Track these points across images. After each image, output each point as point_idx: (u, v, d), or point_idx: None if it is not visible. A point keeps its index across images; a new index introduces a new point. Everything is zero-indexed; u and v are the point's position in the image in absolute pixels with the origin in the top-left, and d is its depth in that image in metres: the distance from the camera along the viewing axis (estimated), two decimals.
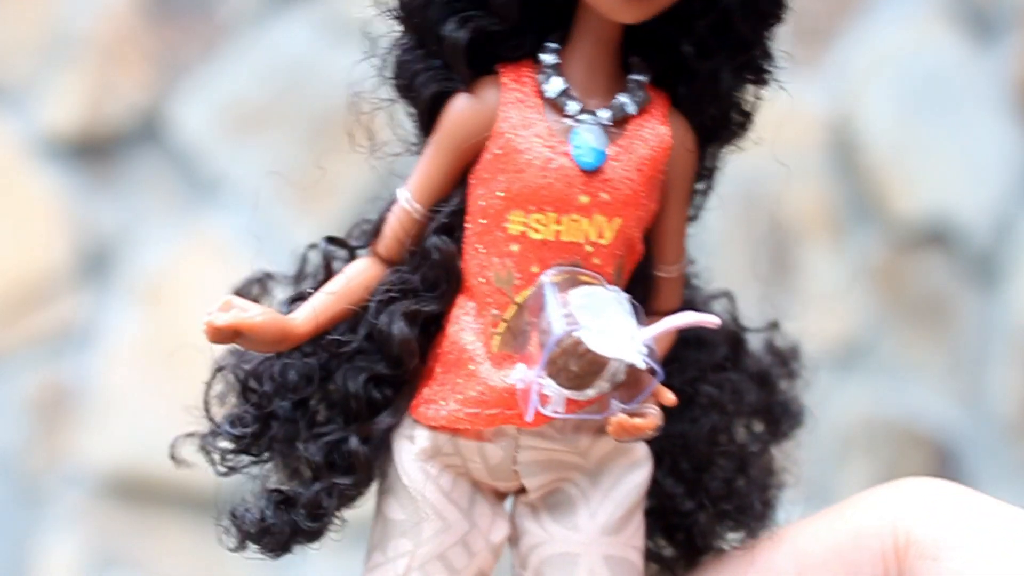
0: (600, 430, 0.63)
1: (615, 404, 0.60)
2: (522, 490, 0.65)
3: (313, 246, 0.67)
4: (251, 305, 0.62)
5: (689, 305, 0.67)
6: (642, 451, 0.65)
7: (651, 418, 0.60)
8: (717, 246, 1.52)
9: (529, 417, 0.60)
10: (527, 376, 0.60)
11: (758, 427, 0.71)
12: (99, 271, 1.53)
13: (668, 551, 0.69)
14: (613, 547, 0.64)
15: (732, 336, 0.71)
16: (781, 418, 0.72)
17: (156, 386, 1.45)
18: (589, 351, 0.59)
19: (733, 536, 0.69)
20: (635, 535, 0.65)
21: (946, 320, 1.58)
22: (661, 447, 0.66)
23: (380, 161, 0.66)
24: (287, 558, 0.65)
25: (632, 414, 0.60)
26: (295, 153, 1.48)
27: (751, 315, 0.73)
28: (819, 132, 1.56)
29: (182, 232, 1.53)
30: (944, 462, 1.57)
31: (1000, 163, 1.59)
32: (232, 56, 1.54)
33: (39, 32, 1.53)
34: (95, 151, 1.54)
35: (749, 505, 0.69)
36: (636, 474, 0.65)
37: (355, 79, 0.64)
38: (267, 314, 0.62)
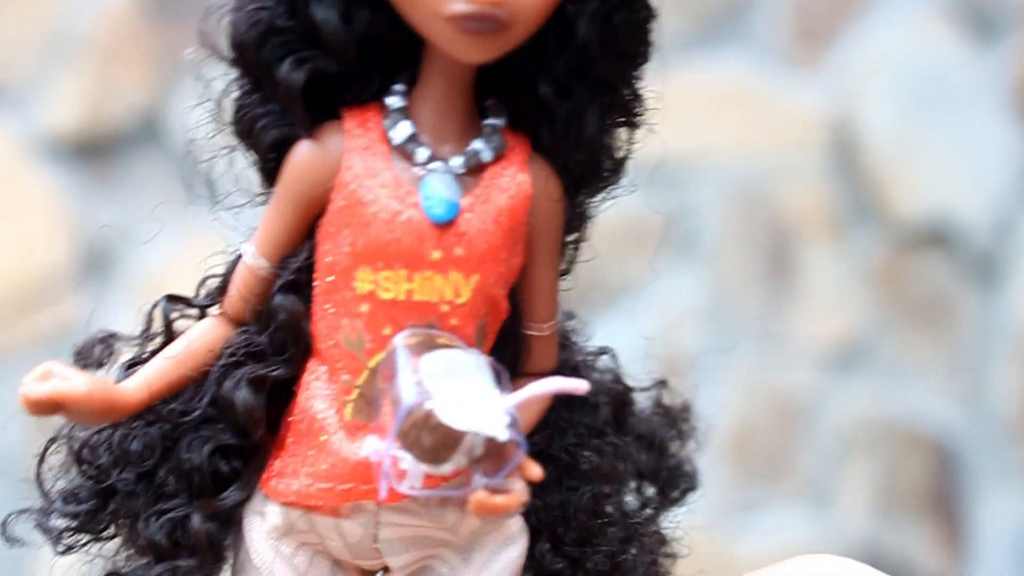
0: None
1: (478, 478, 0.54)
2: (387, 569, 0.60)
3: (156, 305, 0.62)
4: (73, 373, 0.57)
5: (565, 365, 0.62)
6: (516, 525, 0.60)
7: (515, 495, 0.55)
8: (717, 246, 1.52)
9: (382, 494, 0.55)
10: (379, 448, 0.54)
11: (648, 491, 0.66)
12: (99, 271, 1.53)
13: None
14: None
15: (616, 396, 0.65)
16: (672, 482, 0.67)
17: None
18: (441, 423, 0.53)
19: None
20: None
21: (946, 320, 1.58)
22: (540, 519, 0.61)
23: (225, 213, 0.60)
24: None
25: (495, 490, 0.54)
26: None
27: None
28: (819, 132, 1.55)
29: (182, 232, 1.53)
30: (944, 462, 1.56)
31: (1000, 163, 1.59)
32: None
33: (39, 32, 1.53)
34: (95, 151, 1.53)
35: None
36: (510, 550, 0.60)
37: (191, 125, 0.59)
38: (91, 383, 0.57)
